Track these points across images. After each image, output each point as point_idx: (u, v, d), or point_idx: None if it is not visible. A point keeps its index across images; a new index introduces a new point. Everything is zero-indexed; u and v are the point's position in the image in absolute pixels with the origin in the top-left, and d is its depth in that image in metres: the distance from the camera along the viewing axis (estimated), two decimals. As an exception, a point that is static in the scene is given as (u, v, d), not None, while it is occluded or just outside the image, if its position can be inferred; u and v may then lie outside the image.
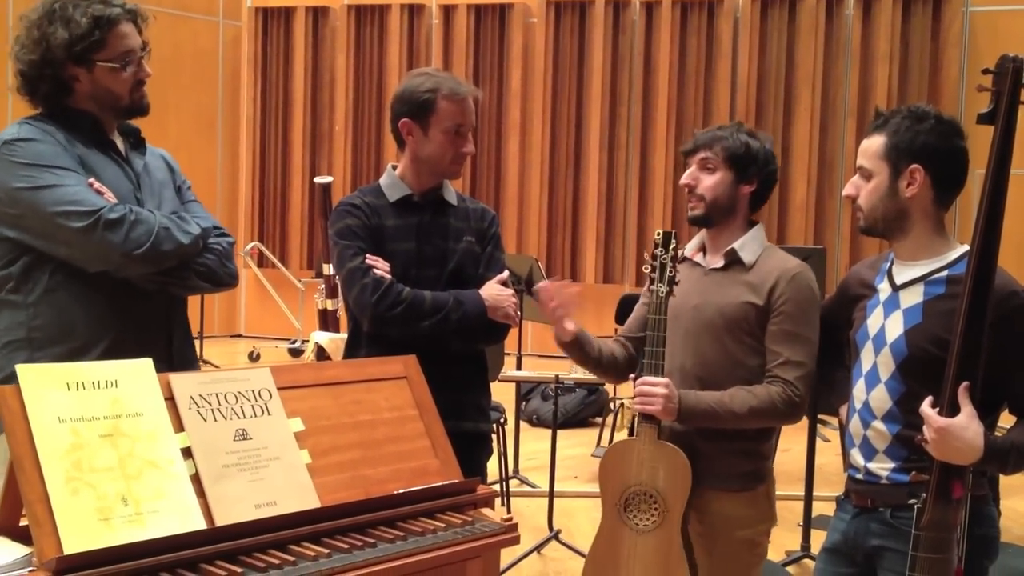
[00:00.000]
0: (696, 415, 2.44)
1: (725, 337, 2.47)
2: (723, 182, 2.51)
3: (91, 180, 2.25)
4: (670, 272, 2.48)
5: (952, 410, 1.93)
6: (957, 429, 1.92)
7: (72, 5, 2.27)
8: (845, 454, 2.30)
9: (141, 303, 2.33)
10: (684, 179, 2.57)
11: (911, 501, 2.00)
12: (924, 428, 1.96)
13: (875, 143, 2.18)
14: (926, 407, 1.97)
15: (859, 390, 2.23)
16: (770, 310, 2.44)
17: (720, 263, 2.54)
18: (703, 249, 2.62)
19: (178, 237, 2.28)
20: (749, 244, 2.52)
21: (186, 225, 2.32)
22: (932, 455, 1.96)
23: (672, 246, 2.49)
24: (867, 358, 2.22)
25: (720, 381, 2.46)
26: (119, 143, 2.43)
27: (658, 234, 2.52)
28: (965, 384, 1.93)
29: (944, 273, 2.14)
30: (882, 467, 2.17)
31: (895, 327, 2.16)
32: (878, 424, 2.17)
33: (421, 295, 2.58)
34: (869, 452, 2.19)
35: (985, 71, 1.97)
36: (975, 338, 1.93)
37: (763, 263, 2.50)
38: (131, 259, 2.21)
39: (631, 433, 2.54)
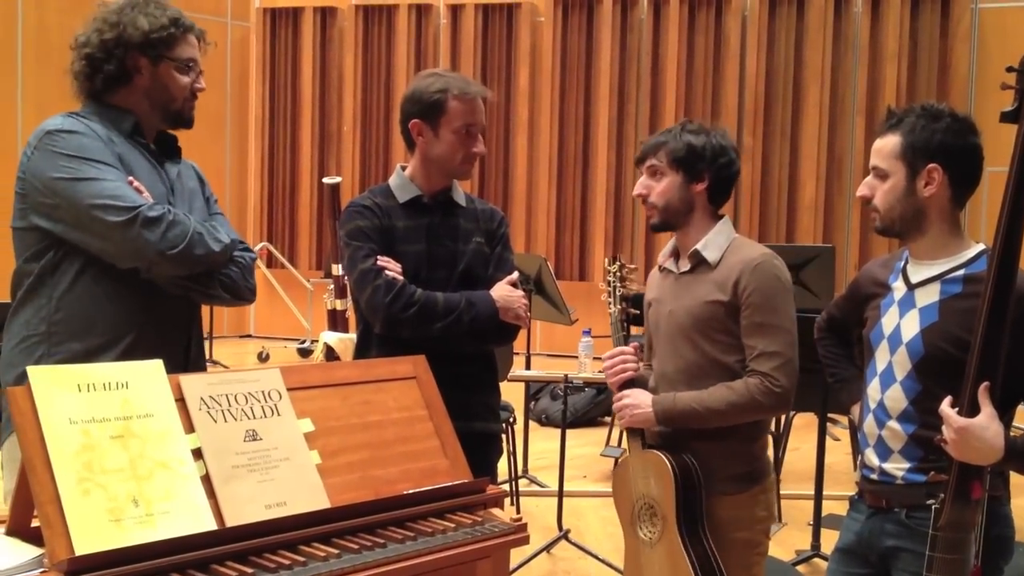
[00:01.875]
0: (675, 417, 2.45)
1: (699, 339, 2.47)
2: (672, 185, 2.51)
3: (131, 178, 2.28)
4: (619, 291, 2.55)
5: (972, 410, 1.91)
6: (977, 429, 1.89)
7: (153, 4, 2.38)
8: (858, 454, 2.29)
9: (164, 307, 2.36)
10: (636, 190, 2.58)
11: (929, 501, 1.99)
12: (943, 428, 1.94)
13: (890, 143, 2.16)
14: (946, 407, 1.94)
15: (874, 389, 2.21)
16: (739, 304, 2.43)
17: (688, 266, 2.54)
18: (676, 254, 2.62)
19: (210, 244, 2.31)
20: (713, 242, 2.51)
21: (217, 234, 2.35)
22: (951, 455, 1.94)
23: (617, 266, 2.57)
24: (882, 357, 2.20)
25: (704, 384, 2.46)
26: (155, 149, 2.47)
27: (607, 259, 2.62)
28: (986, 384, 1.90)
29: (961, 272, 2.12)
30: (897, 467, 2.15)
31: (911, 326, 2.14)
32: (893, 424, 2.16)
33: (434, 297, 2.58)
34: (884, 452, 2.18)
35: (1009, 69, 1.94)
36: (996, 337, 1.91)
37: (727, 259, 2.49)
38: (164, 258, 2.24)
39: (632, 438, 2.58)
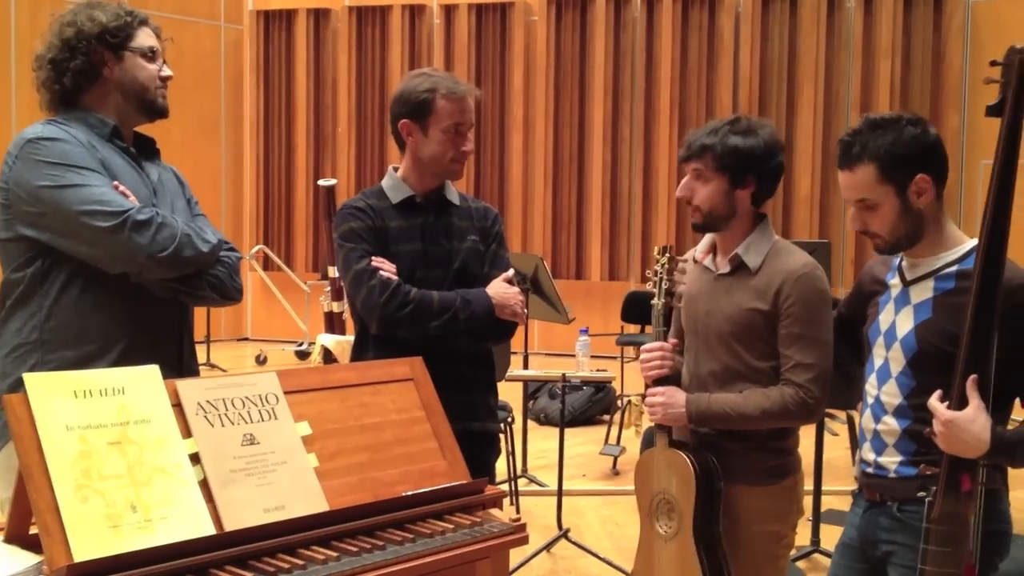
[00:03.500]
0: (709, 418, 2.45)
1: (735, 343, 2.46)
2: (718, 191, 2.45)
3: (115, 183, 2.28)
4: (665, 285, 2.51)
5: (961, 403, 1.92)
6: (964, 422, 1.91)
7: (105, 4, 2.40)
8: (857, 449, 2.31)
9: (155, 311, 2.35)
10: (679, 191, 2.53)
11: (920, 494, 2.00)
12: (933, 421, 1.96)
13: (866, 173, 2.12)
14: (934, 400, 1.96)
15: (871, 385, 2.23)
16: (778, 314, 2.41)
17: (727, 268, 2.51)
18: (714, 250, 2.59)
19: (198, 245, 2.30)
20: (754, 246, 2.48)
21: (204, 234, 2.35)
22: (940, 448, 1.95)
23: (667, 258, 2.52)
24: (878, 354, 2.22)
25: (735, 386, 2.46)
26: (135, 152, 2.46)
27: (657, 249, 2.56)
28: (973, 377, 1.92)
29: (954, 268, 2.13)
30: (891, 461, 2.17)
31: (906, 322, 2.16)
32: (888, 419, 2.17)
33: (429, 295, 2.58)
34: (879, 446, 2.20)
35: (992, 63, 1.95)
36: (984, 331, 1.92)
37: (768, 265, 2.46)
38: (155, 261, 2.23)
39: (641, 433, 2.56)
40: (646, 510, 2.56)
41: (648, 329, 2.68)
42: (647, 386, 2.55)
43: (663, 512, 2.52)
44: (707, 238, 2.61)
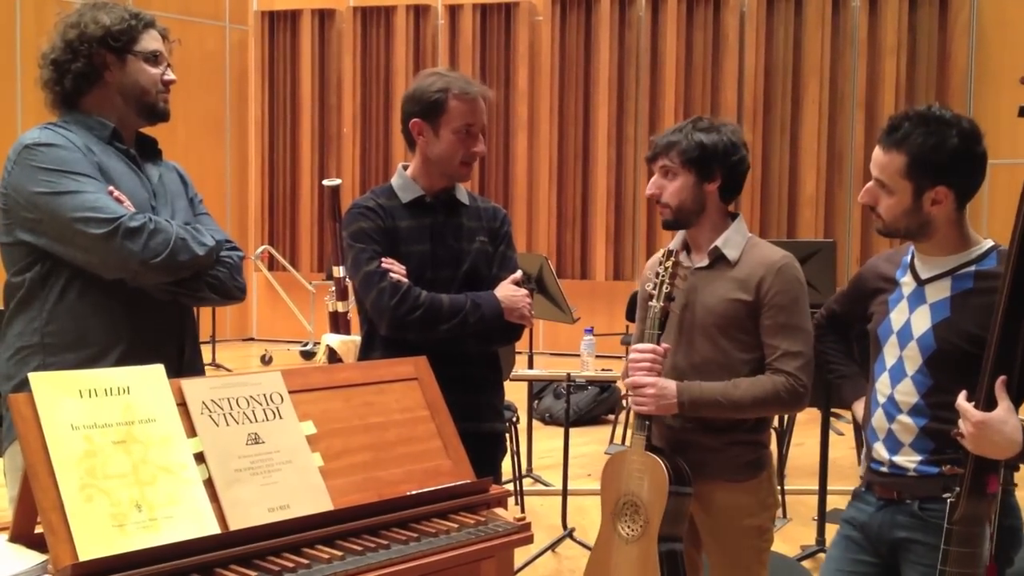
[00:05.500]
0: (701, 404, 2.45)
1: (717, 336, 2.48)
2: (685, 186, 2.52)
3: (111, 188, 2.27)
4: (666, 289, 2.51)
5: (989, 404, 1.90)
6: (997, 423, 1.89)
7: (111, 5, 2.39)
8: (866, 448, 2.28)
9: (155, 313, 2.35)
10: (648, 189, 2.59)
11: (945, 495, 1.98)
12: (960, 422, 1.94)
13: (895, 161, 2.10)
14: (963, 401, 1.94)
15: (883, 384, 2.21)
16: (760, 304, 2.45)
17: (705, 262, 2.55)
18: (686, 247, 2.62)
19: (194, 248, 2.29)
20: (732, 240, 2.53)
21: (201, 237, 2.34)
22: (967, 449, 1.93)
23: (672, 263, 2.53)
24: (891, 352, 2.19)
25: (716, 378, 2.47)
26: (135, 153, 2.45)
27: (662, 253, 2.57)
28: (1003, 378, 1.90)
29: (972, 268, 2.11)
30: (908, 460, 2.15)
31: (922, 321, 2.14)
32: (904, 418, 2.16)
33: (439, 299, 2.58)
34: (894, 446, 2.18)
35: None
36: (1012, 332, 1.90)
37: (747, 258, 2.51)
38: (148, 267, 2.22)
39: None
40: (610, 510, 2.56)
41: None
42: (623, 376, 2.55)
43: (628, 514, 2.52)
44: (678, 236, 2.64)
